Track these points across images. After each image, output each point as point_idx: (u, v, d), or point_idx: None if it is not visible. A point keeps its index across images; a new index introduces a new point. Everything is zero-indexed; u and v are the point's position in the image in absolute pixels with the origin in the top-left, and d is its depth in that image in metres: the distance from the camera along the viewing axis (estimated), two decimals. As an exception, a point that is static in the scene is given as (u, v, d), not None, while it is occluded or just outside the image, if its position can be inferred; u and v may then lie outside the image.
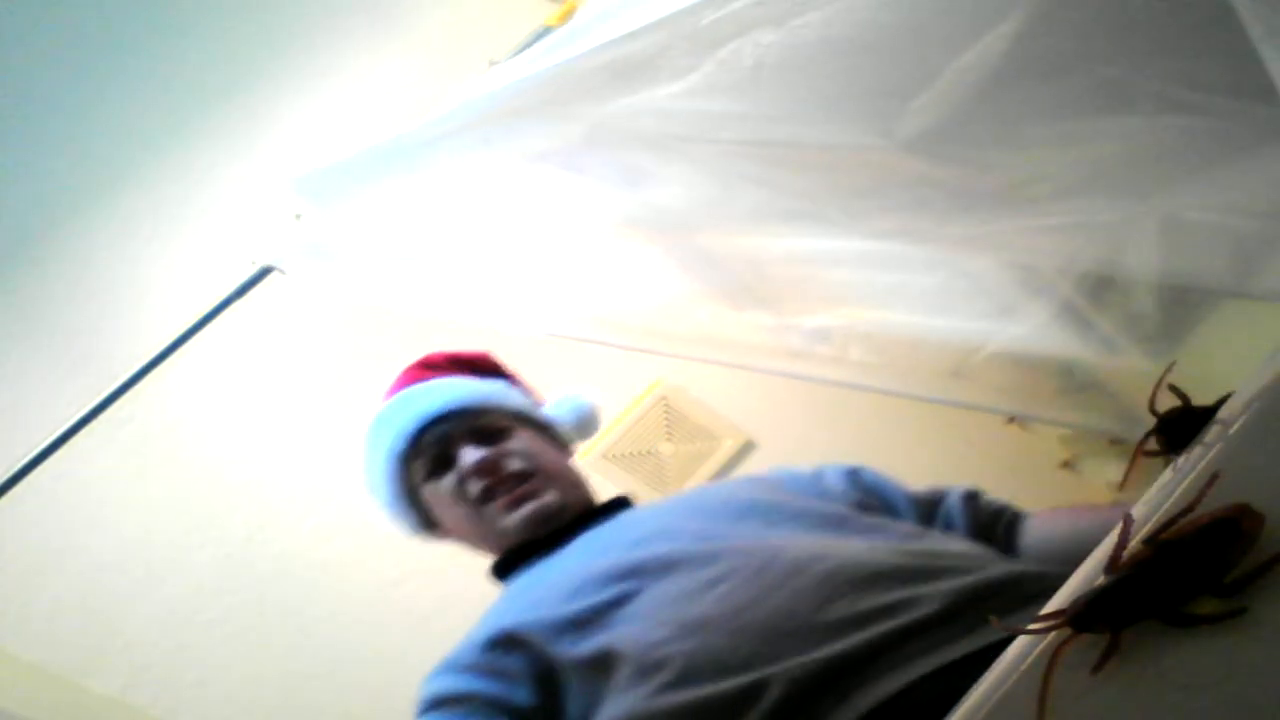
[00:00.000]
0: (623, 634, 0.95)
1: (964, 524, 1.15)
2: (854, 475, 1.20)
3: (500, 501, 1.19)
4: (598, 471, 2.13)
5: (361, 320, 2.01)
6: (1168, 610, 0.53)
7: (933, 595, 0.90)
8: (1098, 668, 0.53)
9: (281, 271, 1.62)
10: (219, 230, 2.06)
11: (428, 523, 1.28)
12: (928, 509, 1.17)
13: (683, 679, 0.89)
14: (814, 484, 1.19)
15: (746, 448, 2.20)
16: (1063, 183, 0.85)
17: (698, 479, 2.17)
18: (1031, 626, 0.58)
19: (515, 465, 1.21)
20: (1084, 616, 0.54)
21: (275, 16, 2.17)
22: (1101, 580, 0.56)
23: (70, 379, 1.86)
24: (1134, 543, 0.57)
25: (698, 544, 1.03)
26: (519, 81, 0.97)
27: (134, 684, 1.87)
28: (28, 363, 1.97)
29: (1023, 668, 0.58)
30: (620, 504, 1.24)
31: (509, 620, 1.01)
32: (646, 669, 0.90)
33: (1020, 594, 0.92)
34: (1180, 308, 0.97)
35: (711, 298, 1.26)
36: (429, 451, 1.23)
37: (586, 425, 1.38)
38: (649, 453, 2.16)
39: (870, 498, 1.17)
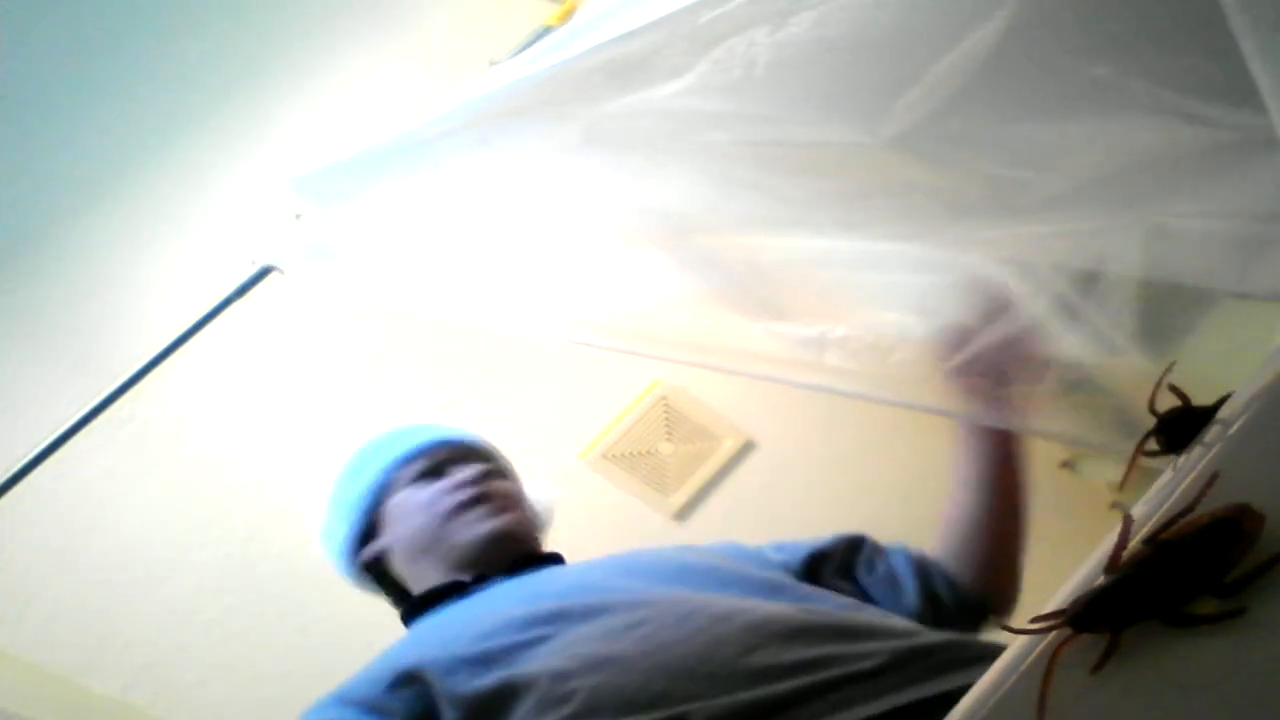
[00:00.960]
0: (529, 668, 0.91)
1: (909, 571, 1.18)
2: (810, 554, 1.21)
3: (483, 508, 1.22)
4: (598, 471, 2.13)
5: (361, 320, 2.01)
6: (1168, 610, 0.53)
7: (866, 653, 0.88)
8: (1098, 668, 0.53)
9: (281, 271, 1.62)
10: (219, 230, 2.06)
11: (366, 536, 1.29)
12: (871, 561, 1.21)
13: (587, 713, 0.85)
14: (754, 555, 1.21)
15: (746, 448, 2.20)
16: (1055, 183, 0.85)
17: (698, 479, 2.18)
18: (1031, 626, 0.58)
19: (506, 489, 1.28)
20: (1084, 616, 0.54)
21: (275, 16, 2.17)
22: (1101, 580, 0.56)
23: (70, 379, 1.86)
24: (1134, 543, 0.57)
25: (624, 595, 1.01)
26: (517, 81, 0.97)
27: (134, 684, 1.87)
28: (28, 363, 1.97)
29: (1022, 668, 0.58)
30: (552, 559, 1.26)
31: (413, 657, 0.97)
32: (549, 703, 0.87)
33: (959, 656, 0.90)
34: (1180, 308, 0.97)
35: (709, 300, 1.26)
36: (423, 462, 1.28)
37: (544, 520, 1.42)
38: (649, 453, 2.16)
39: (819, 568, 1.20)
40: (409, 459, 1.29)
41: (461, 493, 1.23)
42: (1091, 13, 0.66)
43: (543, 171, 1.12)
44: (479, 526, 1.21)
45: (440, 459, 1.28)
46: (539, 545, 1.30)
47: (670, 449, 2.18)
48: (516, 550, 1.22)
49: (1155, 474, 0.69)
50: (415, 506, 1.25)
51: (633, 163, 1.00)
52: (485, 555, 1.19)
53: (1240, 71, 0.53)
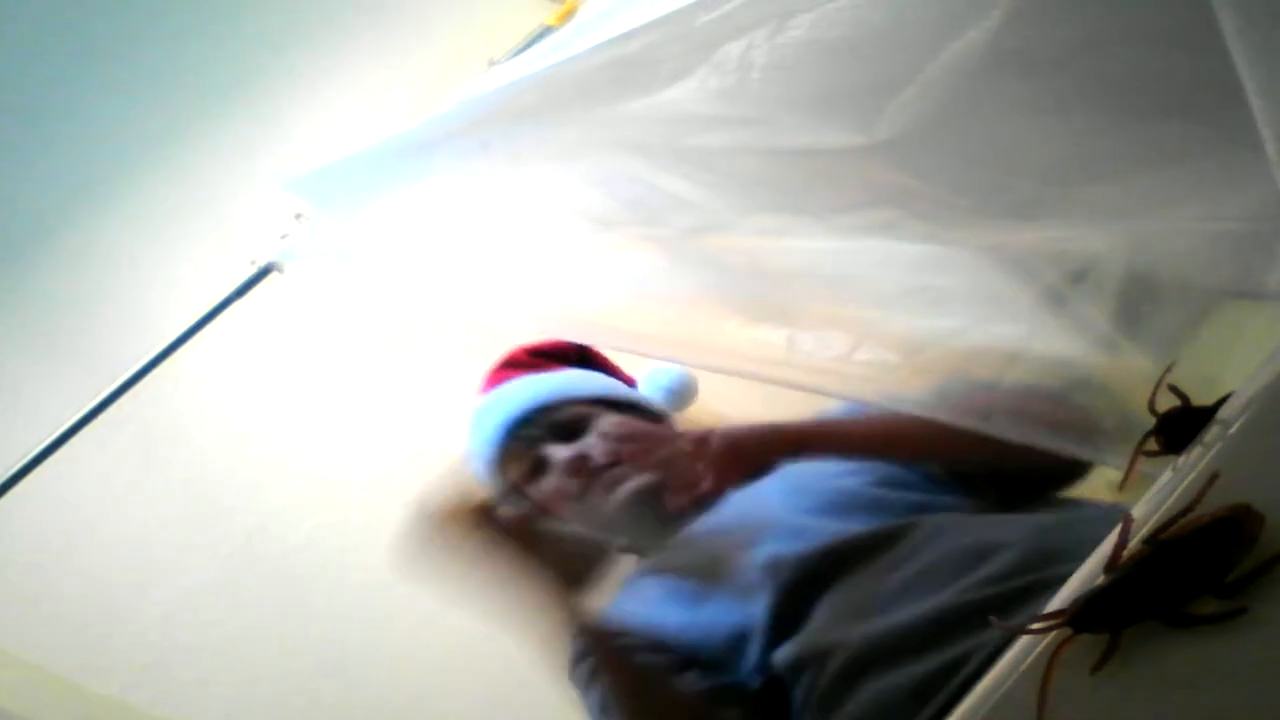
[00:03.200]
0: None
1: None
2: None
3: (597, 491, 1.20)
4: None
5: (361, 320, 2.01)
6: (1168, 610, 0.53)
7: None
8: (1098, 668, 0.53)
9: (281, 271, 1.62)
10: (219, 230, 2.06)
11: (549, 515, 1.28)
12: None
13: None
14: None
15: (746, 448, 2.20)
16: (1051, 184, 0.85)
17: (697, 479, 2.17)
18: (1031, 626, 0.58)
19: (600, 455, 1.22)
20: (1084, 616, 0.54)
21: (275, 17, 2.17)
22: (1101, 580, 0.56)
23: (70, 379, 1.86)
24: (1134, 542, 0.57)
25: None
26: (515, 86, 0.98)
27: (134, 684, 1.87)
28: (28, 363, 1.97)
29: (1022, 668, 0.58)
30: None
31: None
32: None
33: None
34: (1180, 308, 0.97)
35: (708, 300, 1.26)
36: (519, 457, 1.26)
37: (681, 396, 1.38)
38: (649, 453, 2.16)
39: None
40: (504, 463, 1.27)
41: (568, 485, 1.21)
42: (1083, 14, 0.66)
43: (542, 173, 1.12)
44: (606, 506, 1.19)
45: (530, 447, 1.25)
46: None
47: (670, 449, 2.17)
48: (658, 503, 1.20)
49: (1155, 474, 0.69)
50: (552, 502, 1.24)
51: (633, 165, 1.00)
52: (635, 517, 1.19)
53: (1234, 71, 0.53)
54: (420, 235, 1.41)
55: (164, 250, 2.08)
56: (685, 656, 1.07)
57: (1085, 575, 0.61)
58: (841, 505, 1.11)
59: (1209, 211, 0.81)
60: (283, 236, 1.60)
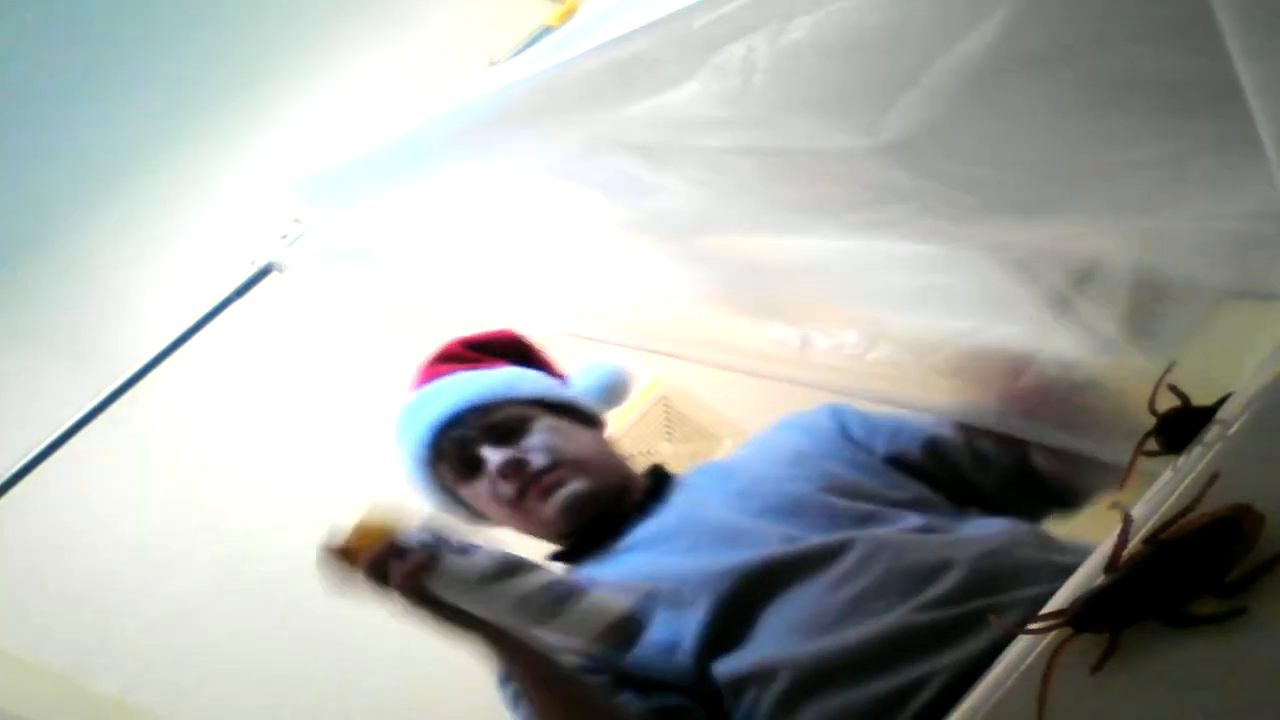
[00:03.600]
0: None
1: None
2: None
3: (532, 496, 1.18)
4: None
5: (361, 320, 2.01)
6: (1168, 610, 0.53)
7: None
8: (1098, 668, 0.53)
9: (281, 271, 1.62)
10: (219, 230, 2.06)
11: (476, 514, 1.26)
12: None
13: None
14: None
15: (746, 448, 2.20)
16: (1053, 184, 0.85)
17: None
18: (1031, 626, 0.58)
19: (538, 461, 1.18)
20: (1084, 616, 0.54)
21: (275, 17, 2.17)
22: (1101, 580, 0.56)
23: (70, 379, 1.86)
24: (1134, 542, 0.57)
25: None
26: (517, 87, 0.97)
27: (134, 684, 1.87)
28: (28, 363, 1.97)
29: (1022, 668, 0.58)
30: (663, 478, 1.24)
31: None
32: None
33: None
34: (1180, 307, 0.97)
35: (710, 298, 1.26)
36: (452, 457, 1.22)
37: (613, 394, 1.34)
38: (649, 453, 2.16)
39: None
40: (433, 461, 1.23)
41: (502, 488, 1.18)
42: (1084, 14, 0.66)
43: (543, 175, 1.12)
44: (541, 513, 1.18)
45: (463, 447, 1.21)
46: (625, 473, 1.26)
47: (670, 448, 2.17)
48: (593, 508, 1.19)
49: (1155, 474, 0.69)
50: (481, 502, 1.22)
51: (633, 169, 0.99)
52: (569, 525, 1.18)
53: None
54: (420, 236, 1.41)
55: (164, 250, 2.08)
56: (620, 675, 1.03)
57: (1085, 575, 0.61)
58: (788, 510, 1.09)
59: (1214, 210, 0.81)
60: (283, 236, 1.60)
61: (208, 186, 2.10)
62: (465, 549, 0.94)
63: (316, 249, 1.56)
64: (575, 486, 1.18)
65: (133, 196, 2.07)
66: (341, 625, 1.95)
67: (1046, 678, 0.53)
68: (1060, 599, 0.63)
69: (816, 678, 0.94)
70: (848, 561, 1.00)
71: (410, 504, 1.07)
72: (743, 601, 1.01)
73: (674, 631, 1.02)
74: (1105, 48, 0.67)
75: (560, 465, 1.19)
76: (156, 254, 2.07)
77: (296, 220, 1.58)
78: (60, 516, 1.90)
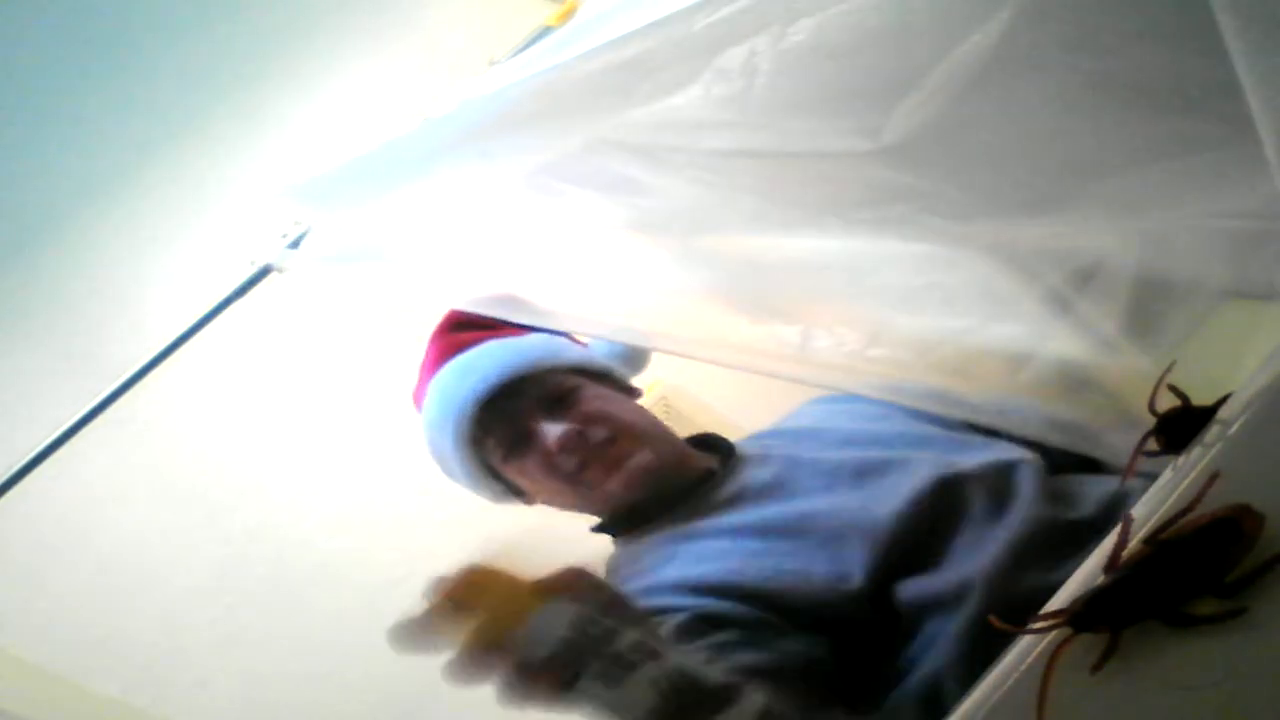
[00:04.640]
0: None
1: None
2: None
3: (595, 470, 1.11)
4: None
5: (360, 320, 2.01)
6: (1168, 610, 0.53)
7: None
8: (1098, 668, 0.53)
9: (281, 271, 1.62)
10: (219, 230, 2.06)
11: (515, 491, 1.19)
12: None
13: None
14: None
15: (746, 447, 2.20)
16: (1053, 184, 0.85)
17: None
18: (1031, 626, 0.58)
19: (600, 434, 1.12)
20: (1084, 616, 0.54)
21: (275, 17, 2.17)
22: (1101, 580, 0.56)
23: (70, 379, 1.86)
24: (1134, 542, 0.57)
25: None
26: (515, 93, 0.97)
27: (134, 684, 1.87)
28: (28, 363, 1.97)
29: (1023, 668, 0.58)
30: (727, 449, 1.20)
31: None
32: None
33: None
34: (1180, 307, 0.97)
35: (712, 297, 1.26)
36: (500, 431, 1.13)
37: (637, 359, 1.28)
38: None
39: None
40: (478, 438, 1.14)
41: (564, 462, 1.10)
42: (1086, 15, 0.66)
43: (543, 175, 1.12)
44: (604, 487, 1.12)
45: (513, 419, 1.12)
46: (678, 445, 1.19)
47: (670, 449, 2.17)
48: (656, 482, 1.13)
49: (1155, 474, 0.69)
50: (532, 478, 1.14)
51: (634, 172, 0.99)
52: (635, 499, 1.12)
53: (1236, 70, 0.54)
54: (420, 237, 1.41)
55: (164, 250, 2.08)
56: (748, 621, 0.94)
57: (1085, 575, 0.61)
58: (917, 439, 1.09)
59: (1214, 210, 0.81)
60: (282, 236, 1.60)
61: (208, 186, 2.10)
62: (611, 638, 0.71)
63: (316, 250, 1.56)
64: (642, 458, 1.12)
65: (133, 197, 2.07)
66: (342, 625, 1.95)
67: (1046, 678, 0.53)
68: (1060, 599, 0.63)
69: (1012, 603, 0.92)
70: (1004, 480, 1.00)
71: (522, 550, 0.81)
72: (925, 525, 0.98)
73: (838, 564, 0.97)
74: (1105, 49, 0.67)
75: (622, 436, 1.13)
76: (156, 254, 2.07)
77: (296, 221, 1.58)
78: (60, 516, 1.90)
